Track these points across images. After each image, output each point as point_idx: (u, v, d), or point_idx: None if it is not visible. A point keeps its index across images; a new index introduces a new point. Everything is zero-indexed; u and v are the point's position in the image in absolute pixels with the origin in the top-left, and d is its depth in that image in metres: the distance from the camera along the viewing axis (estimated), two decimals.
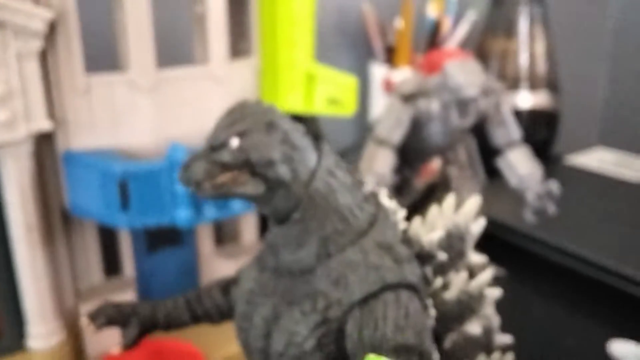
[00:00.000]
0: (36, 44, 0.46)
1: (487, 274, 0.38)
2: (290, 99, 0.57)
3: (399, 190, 0.73)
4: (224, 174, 0.31)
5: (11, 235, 0.49)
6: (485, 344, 0.39)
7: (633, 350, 0.55)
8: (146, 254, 0.59)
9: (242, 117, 0.31)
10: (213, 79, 0.55)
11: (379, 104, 0.94)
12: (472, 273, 0.38)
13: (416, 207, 0.70)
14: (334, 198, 0.32)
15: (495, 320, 0.40)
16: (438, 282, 0.37)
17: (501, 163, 0.68)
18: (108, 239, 0.58)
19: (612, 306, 0.64)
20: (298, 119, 0.34)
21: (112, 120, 0.52)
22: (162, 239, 0.59)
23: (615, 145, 1.10)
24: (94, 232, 0.56)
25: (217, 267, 0.61)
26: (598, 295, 0.66)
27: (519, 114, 0.72)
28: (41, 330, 0.51)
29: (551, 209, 0.66)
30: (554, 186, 0.65)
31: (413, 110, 0.65)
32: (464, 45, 0.98)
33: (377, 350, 0.30)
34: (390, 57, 0.96)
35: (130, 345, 0.39)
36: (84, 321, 0.38)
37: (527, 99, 0.96)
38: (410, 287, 0.32)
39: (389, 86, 0.92)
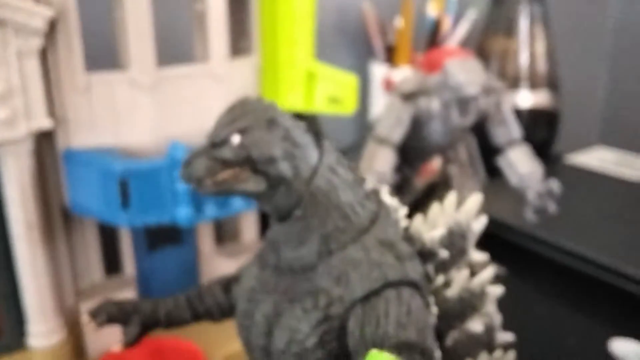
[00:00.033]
0: (36, 42, 0.46)
1: (489, 271, 0.38)
2: (291, 98, 0.57)
3: (399, 189, 0.73)
4: (225, 170, 0.31)
5: (11, 233, 0.49)
6: (486, 341, 0.39)
7: (634, 349, 0.55)
8: (146, 253, 0.59)
9: (243, 114, 0.31)
10: (213, 78, 0.55)
11: (379, 103, 0.94)
12: (474, 271, 0.38)
13: (416, 206, 0.69)
14: (335, 195, 0.32)
15: (497, 318, 0.39)
16: (440, 279, 0.37)
17: (502, 162, 0.68)
18: (108, 238, 0.58)
19: (612, 305, 0.64)
20: (298, 117, 0.34)
21: (112, 118, 0.52)
22: (163, 238, 0.59)
23: (615, 145, 1.10)
24: (95, 231, 0.56)
25: (218, 265, 0.61)
26: (599, 294, 0.66)
27: (519, 113, 0.72)
28: (41, 329, 0.51)
29: (552, 207, 0.66)
30: (555, 185, 0.65)
31: (413, 109, 0.65)
32: (464, 44, 0.98)
33: (378, 347, 0.30)
34: (391, 56, 0.96)
35: (131, 343, 0.38)
36: (85, 319, 0.38)
37: (527, 98, 0.96)
38: (412, 285, 0.32)
39: (389, 85, 0.92)
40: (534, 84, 0.96)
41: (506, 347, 0.40)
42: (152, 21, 0.51)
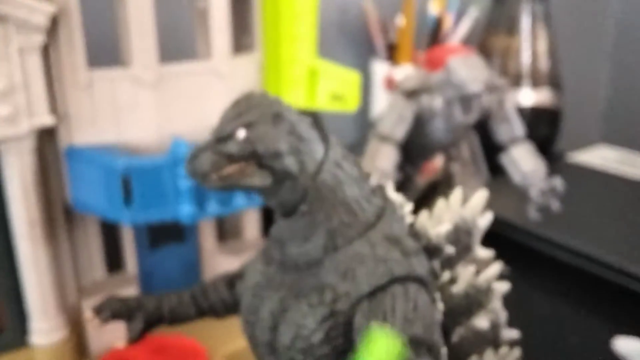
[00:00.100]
0: (38, 39, 0.46)
1: (495, 267, 0.38)
2: (293, 95, 0.57)
3: (401, 188, 0.73)
4: (231, 165, 0.31)
5: (14, 230, 0.49)
6: (492, 338, 0.39)
7: (638, 347, 0.55)
8: (148, 250, 0.59)
9: (248, 108, 0.31)
10: (216, 74, 0.55)
11: (381, 102, 0.94)
12: (479, 268, 0.38)
13: (419, 205, 0.70)
14: (341, 190, 0.32)
15: (503, 314, 0.39)
16: (445, 276, 0.37)
17: (504, 159, 0.68)
18: (110, 235, 0.58)
19: (616, 303, 0.64)
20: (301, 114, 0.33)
21: (114, 115, 0.51)
22: (165, 235, 0.59)
23: (617, 143, 1.10)
24: (97, 228, 0.56)
25: (220, 263, 0.61)
26: (602, 293, 0.66)
27: (521, 112, 0.72)
28: (44, 326, 0.51)
29: (555, 205, 0.66)
30: (558, 183, 0.65)
31: (416, 107, 0.65)
32: (466, 42, 0.98)
33: None
34: (392, 54, 0.96)
35: (135, 339, 0.38)
36: (88, 315, 0.38)
37: (529, 97, 0.96)
38: (419, 280, 0.32)
39: (390, 84, 0.92)
40: (536, 82, 0.96)
41: (512, 344, 0.40)
42: (154, 18, 0.51)
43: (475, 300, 0.37)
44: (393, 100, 0.65)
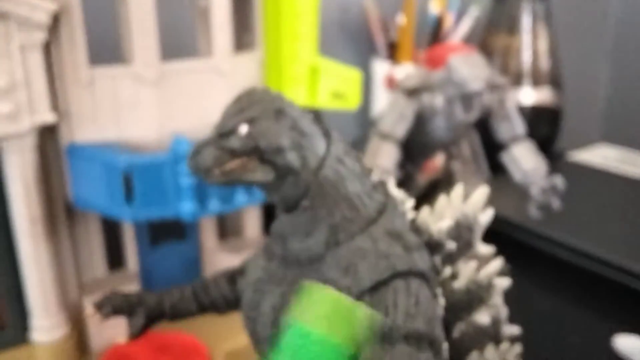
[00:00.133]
0: (40, 36, 0.46)
1: (496, 263, 0.38)
2: (294, 93, 0.57)
3: (402, 186, 0.73)
4: (233, 160, 0.31)
5: (15, 228, 0.49)
6: (493, 334, 0.39)
7: (638, 345, 0.55)
8: (149, 248, 0.59)
9: (250, 104, 0.31)
10: (217, 72, 0.55)
11: (381, 100, 0.94)
12: (480, 264, 0.38)
13: (420, 203, 0.70)
14: (343, 186, 0.32)
15: (504, 310, 0.39)
16: (447, 271, 0.37)
17: (505, 158, 0.68)
18: (111, 233, 0.58)
19: (616, 301, 0.64)
20: None
21: (115, 113, 0.51)
22: (166, 233, 0.59)
23: (618, 142, 1.10)
24: (98, 225, 0.56)
25: (220, 261, 0.61)
26: (603, 291, 0.66)
27: (521, 110, 0.72)
28: (45, 323, 0.51)
29: (555, 203, 0.66)
30: (559, 181, 0.65)
31: (417, 105, 0.65)
32: (467, 41, 0.98)
33: (387, 337, 0.29)
34: (393, 53, 0.96)
35: (136, 334, 0.38)
36: (89, 310, 0.38)
37: (529, 96, 0.96)
38: (420, 275, 0.32)
39: (391, 82, 0.92)
40: (536, 81, 0.96)
41: (513, 340, 0.40)
42: (155, 15, 0.51)
43: (476, 296, 0.37)
44: (394, 99, 0.65)
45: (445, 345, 0.32)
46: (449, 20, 0.97)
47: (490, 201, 0.39)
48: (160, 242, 0.59)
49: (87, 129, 0.51)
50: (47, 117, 0.48)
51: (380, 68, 0.96)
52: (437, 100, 0.64)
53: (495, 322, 0.39)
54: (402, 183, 0.73)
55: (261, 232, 0.66)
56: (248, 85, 0.56)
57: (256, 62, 0.58)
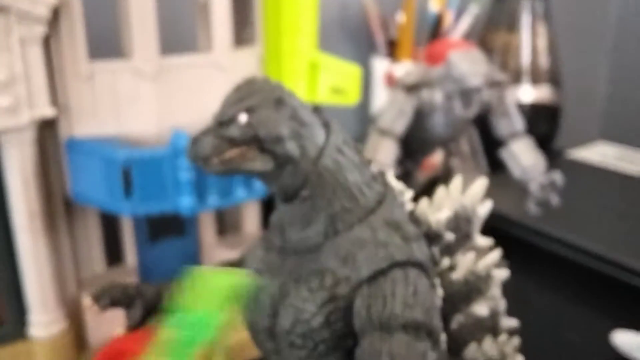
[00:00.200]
0: (39, 30, 0.46)
1: (495, 254, 0.38)
2: (294, 88, 0.57)
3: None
4: (232, 149, 0.31)
5: (13, 222, 0.49)
6: (491, 326, 0.39)
7: (636, 341, 0.55)
8: (148, 244, 0.59)
9: (250, 93, 0.31)
10: (216, 67, 0.55)
11: (381, 98, 0.94)
12: (478, 256, 0.38)
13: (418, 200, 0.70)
14: (342, 175, 0.32)
15: (502, 302, 0.39)
16: (445, 262, 0.37)
17: (504, 154, 0.68)
18: (110, 228, 0.58)
19: (615, 298, 0.64)
20: None
21: (115, 107, 0.51)
22: (165, 229, 0.59)
23: (616, 140, 1.10)
24: (97, 220, 0.56)
25: (219, 256, 0.61)
26: (601, 287, 0.66)
27: (521, 108, 0.72)
28: (43, 319, 0.51)
29: (554, 200, 0.66)
30: (557, 177, 0.65)
31: (416, 101, 0.65)
32: (466, 39, 0.98)
33: (385, 327, 0.29)
34: (392, 50, 0.96)
35: (135, 326, 0.38)
36: (87, 302, 0.38)
37: (529, 93, 0.96)
38: (419, 266, 0.32)
39: (390, 80, 0.92)
40: (535, 79, 0.96)
41: (511, 332, 0.40)
42: (155, 10, 0.51)
43: (474, 287, 0.37)
44: (393, 95, 0.65)
45: (443, 337, 0.32)
46: (448, 18, 0.97)
47: (489, 198, 0.39)
48: (159, 238, 0.59)
49: (87, 123, 0.51)
50: (47, 111, 0.48)
51: (380, 65, 0.96)
52: (437, 96, 0.64)
53: (494, 314, 0.39)
54: (401, 180, 0.73)
55: (260, 227, 0.65)
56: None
57: (256, 57, 0.58)
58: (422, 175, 0.78)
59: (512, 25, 0.96)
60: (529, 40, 0.96)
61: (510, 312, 0.41)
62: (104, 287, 0.39)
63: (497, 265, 0.39)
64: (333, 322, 0.31)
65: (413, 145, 0.69)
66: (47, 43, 0.48)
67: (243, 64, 0.57)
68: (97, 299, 0.38)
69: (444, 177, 0.75)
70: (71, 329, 0.53)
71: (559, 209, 0.67)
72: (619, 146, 1.08)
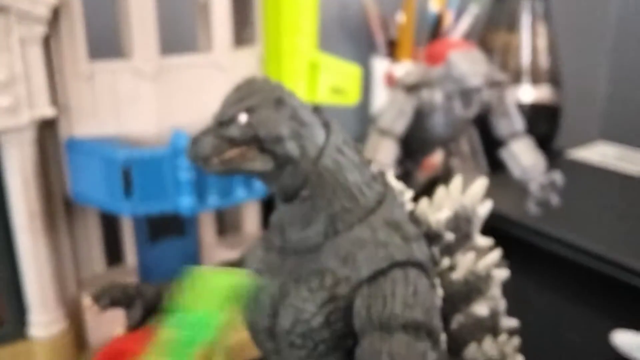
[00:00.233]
0: (39, 30, 0.46)
1: (495, 254, 0.38)
2: (294, 88, 0.57)
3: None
4: (232, 149, 0.31)
5: (13, 222, 0.49)
6: (491, 326, 0.39)
7: (636, 341, 0.55)
8: (148, 244, 0.58)
9: (250, 93, 0.31)
10: (216, 67, 0.55)
11: (381, 98, 0.94)
12: (478, 256, 0.38)
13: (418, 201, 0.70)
14: (342, 175, 0.32)
15: (502, 302, 0.39)
16: (445, 262, 0.37)
17: (504, 154, 0.68)
18: (110, 228, 0.58)
19: (615, 298, 0.64)
20: None
21: (115, 107, 0.51)
22: (165, 229, 0.59)
23: (616, 140, 1.10)
24: (97, 220, 0.56)
25: (219, 257, 0.61)
26: (601, 287, 0.66)
27: (520, 108, 0.72)
28: (43, 319, 0.51)
29: (554, 200, 0.66)
30: (558, 177, 0.65)
31: (416, 101, 0.65)
32: (466, 39, 0.98)
33: (385, 327, 0.29)
34: (392, 51, 0.96)
35: (135, 326, 0.38)
36: (87, 302, 0.38)
37: (529, 93, 0.96)
38: (419, 266, 0.32)
39: (390, 80, 0.92)
40: (535, 79, 0.96)
41: (511, 332, 0.40)
42: (155, 10, 0.51)
43: (474, 287, 0.37)
44: (393, 95, 0.65)
45: (443, 337, 0.32)
46: (448, 18, 0.97)
47: (489, 198, 0.39)
48: (159, 238, 0.59)
49: (87, 123, 0.51)
50: (47, 111, 0.48)
51: (380, 66, 0.96)
52: (437, 96, 0.64)
53: (494, 314, 0.39)
54: (401, 180, 0.72)
55: (260, 227, 0.65)
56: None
57: (256, 57, 0.58)
58: (422, 176, 0.78)
59: (512, 25, 0.96)
60: (529, 40, 0.96)
61: (510, 312, 0.41)
62: (104, 287, 0.39)
63: (497, 265, 0.39)
64: (333, 322, 0.31)
65: (413, 145, 0.69)
66: (47, 43, 0.48)
67: (243, 64, 0.57)
68: (97, 299, 0.38)
69: (444, 177, 0.75)
70: (71, 329, 0.53)
71: (559, 209, 0.67)
72: (619, 146, 1.08)
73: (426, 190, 0.75)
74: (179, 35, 0.61)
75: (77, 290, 0.55)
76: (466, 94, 0.63)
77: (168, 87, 0.52)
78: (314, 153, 0.31)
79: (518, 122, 0.67)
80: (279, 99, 0.31)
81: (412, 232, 0.33)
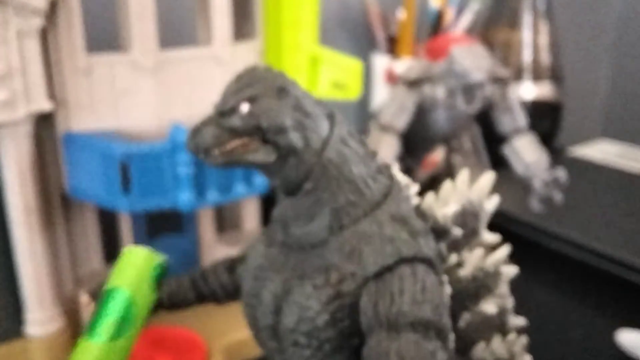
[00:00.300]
0: (37, 22, 0.45)
1: (503, 250, 0.37)
2: None
3: None
4: (234, 140, 0.30)
5: (9, 218, 0.48)
6: (499, 324, 0.38)
7: None
8: (147, 241, 0.58)
9: (251, 82, 0.30)
10: (216, 61, 0.54)
11: (381, 95, 0.93)
12: (485, 253, 0.37)
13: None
14: (347, 168, 0.31)
15: (510, 301, 0.38)
16: (452, 259, 0.36)
17: (507, 150, 0.67)
18: (108, 224, 0.58)
19: (619, 296, 0.64)
20: None
21: (113, 101, 0.51)
22: (163, 225, 0.59)
23: (618, 137, 1.10)
24: (94, 217, 0.56)
25: (218, 254, 0.60)
26: (605, 286, 0.66)
27: (522, 105, 0.72)
28: (39, 317, 0.50)
29: (557, 197, 0.65)
30: (561, 174, 0.64)
31: (418, 96, 0.64)
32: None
33: (393, 325, 0.29)
34: (393, 47, 0.95)
35: None
36: (84, 299, 0.37)
37: (530, 90, 0.95)
38: (427, 261, 0.31)
39: (391, 77, 0.91)
40: (537, 76, 0.96)
41: (519, 331, 0.40)
42: (154, 2, 0.50)
43: (483, 284, 0.36)
44: (395, 90, 0.65)
45: (451, 336, 0.31)
46: (449, 14, 0.96)
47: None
48: (157, 235, 0.58)
49: (84, 117, 0.50)
50: (44, 105, 0.47)
51: (380, 62, 0.95)
52: (439, 92, 0.63)
53: (502, 312, 0.38)
54: None
55: (260, 224, 0.65)
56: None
57: (256, 51, 0.58)
58: (423, 172, 0.78)
59: (514, 22, 0.95)
60: (531, 37, 0.95)
61: (514, 310, 0.40)
62: (101, 284, 0.38)
63: (506, 261, 0.38)
64: (339, 320, 0.30)
65: (414, 141, 0.69)
66: (45, 36, 0.48)
67: (243, 58, 0.56)
68: (94, 296, 0.37)
69: (445, 174, 0.74)
70: (68, 327, 0.52)
71: (561, 206, 0.67)
72: (621, 144, 1.08)
73: (427, 187, 0.75)
74: (179, 29, 0.61)
75: (74, 288, 0.55)
76: (469, 90, 0.63)
77: (167, 81, 0.52)
78: (318, 144, 0.31)
79: (521, 118, 0.66)
80: (282, 88, 0.30)
81: (419, 226, 0.32)
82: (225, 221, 0.65)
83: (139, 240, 0.58)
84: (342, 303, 0.30)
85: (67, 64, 0.49)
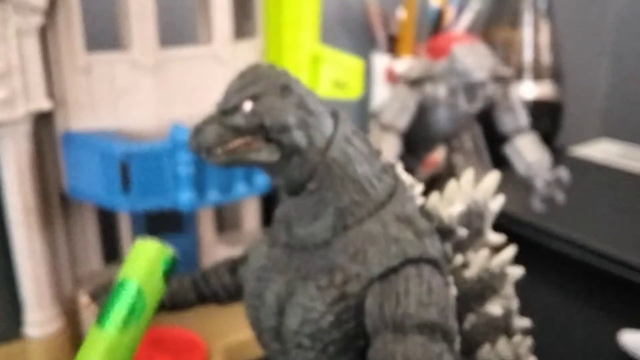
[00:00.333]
0: (36, 20, 0.45)
1: (509, 251, 0.37)
2: None
3: None
4: (237, 139, 0.29)
5: (8, 218, 0.48)
6: (504, 326, 0.37)
7: None
8: None
9: (254, 80, 0.30)
10: (216, 60, 0.54)
11: (381, 94, 0.93)
12: (490, 253, 0.37)
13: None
14: (351, 167, 0.31)
15: (515, 302, 0.38)
16: (458, 260, 0.35)
17: (509, 150, 0.67)
18: (107, 224, 0.57)
19: (621, 297, 0.64)
20: None
21: (113, 100, 0.50)
22: (163, 226, 0.58)
23: (619, 137, 1.10)
24: (93, 216, 0.55)
25: (218, 254, 0.60)
26: (608, 286, 0.65)
27: (522, 104, 0.72)
28: (38, 318, 0.50)
29: (559, 197, 0.65)
30: (563, 173, 0.64)
31: (419, 96, 0.64)
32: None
33: (399, 327, 0.28)
34: (393, 46, 0.95)
35: None
36: (83, 300, 0.37)
37: (531, 90, 0.95)
38: (432, 262, 0.30)
39: (391, 76, 0.91)
40: (537, 76, 0.96)
41: (524, 332, 0.39)
42: (154, 1, 0.50)
43: (488, 285, 0.36)
44: (396, 89, 0.65)
45: (457, 338, 0.30)
46: (450, 14, 0.96)
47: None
48: (157, 235, 0.58)
49: (84, 116, 0.50)
50: (43, 103, 0.47)
51: (380, 61, 0.95)
52: (440, 91, 0.63)
53: (507, 314, 0.37)
54: None
55: (260, 225, 0.65)
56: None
57: (256, 49, 0.57)
58: (423, 172, 0.77)
59: (514, 22, 0.95)
60: (531, 37, 0.95)
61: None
62: (101, 285, 0.38)
63: (511, 262, 0.37)
64: (344, 321, 0.30)
65: (415, 141, 0.68)
66: (44, 34, 0.47)
67: (243, 57, 0.56)
68: (94, 296, 0.37)
69: (446, 174, 0.74)
70: (67, 328, 0.52)
71: (562, 206, 0.67)
72: (622, 143, 1.08)
73: (428, 187, 0.75)
74: (179, 27, 0.61)
75: (73, 288, 0.54)
76: (470, 89, 0.62)
77: (167, 80, 0.51)
78: (322, 143, 0.30)
79: (523, 118, 0.66)
80: (285, 86, 0.30)
81: (424, 227, 0.31)
82: (225, 221, 0.65)
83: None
84: (347, 304, 0.30)
85: (67, 63, 0.49)
